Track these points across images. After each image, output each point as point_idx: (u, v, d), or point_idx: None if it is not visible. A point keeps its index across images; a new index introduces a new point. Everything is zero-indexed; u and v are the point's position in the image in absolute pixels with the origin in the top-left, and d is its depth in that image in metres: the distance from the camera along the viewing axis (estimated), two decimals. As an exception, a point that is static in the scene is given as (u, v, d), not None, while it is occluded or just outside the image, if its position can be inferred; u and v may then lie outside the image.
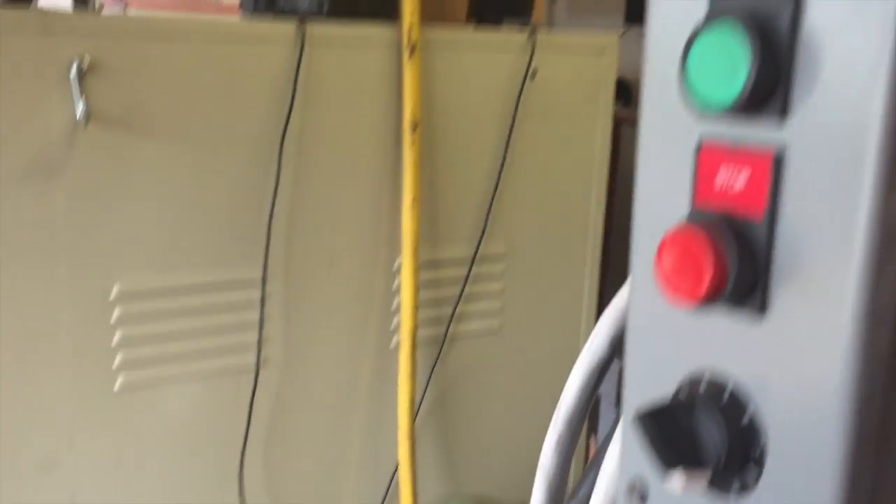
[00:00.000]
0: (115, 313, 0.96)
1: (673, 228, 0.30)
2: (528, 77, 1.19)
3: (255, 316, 1.04)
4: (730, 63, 0.28)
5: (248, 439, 1.07)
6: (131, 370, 0.99)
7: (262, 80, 1.00)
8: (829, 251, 0.29)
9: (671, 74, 0.31)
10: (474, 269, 1.21)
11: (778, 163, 0.29)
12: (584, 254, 1.31)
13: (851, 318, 0.28)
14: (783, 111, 0.28)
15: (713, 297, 0.30)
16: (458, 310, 1.21)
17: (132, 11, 1.16)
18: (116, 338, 0.97)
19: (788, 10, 0.28)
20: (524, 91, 1.19)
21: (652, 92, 0.33)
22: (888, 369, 0.30)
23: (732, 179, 0.31)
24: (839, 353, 0.29)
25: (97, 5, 0.96)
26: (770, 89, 0.28)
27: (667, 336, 0.34)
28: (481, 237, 1.19)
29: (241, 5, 1.04)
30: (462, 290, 1.20)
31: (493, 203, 1.20)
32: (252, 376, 1.06)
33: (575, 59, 1.25)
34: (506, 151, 1.19)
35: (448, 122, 1.15)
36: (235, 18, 1.12)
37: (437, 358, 1.21)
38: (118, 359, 0.97)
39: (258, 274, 1.03)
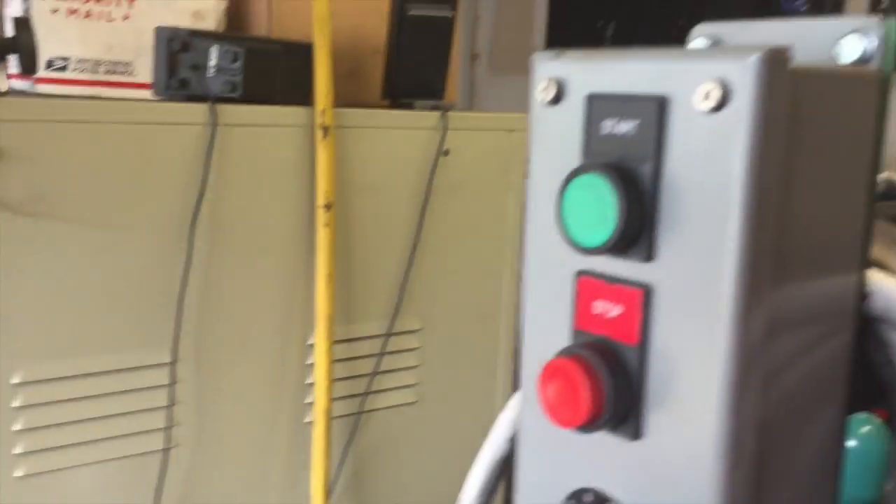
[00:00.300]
0: (17, 399, 0.93)
1: (554, 358, 0.32)
2: (440, 154, 1.22)
3: (164, 400, 1.02)
4: (599, 209, 0.31)
5: (156, 526, 1.04)
6: (34, 455, 0.95)
7: (174, 162, 1.00)
8: (696, 376, 0.31)
9: (550, 214, 0.34)
10: (390, 344, 1.21)
11: (647, 297, 0.31)
12: (497, 327, 1.33)
13: (717, 437, 0.30)
14: (649, 253, 0.31)
15: (592, 422, 0.32)
16: (373, 385, 1.21)
17: (41, 88, 1.15)
18: (19, 424, 0.94)
19: (651, 163, 0.30)
20: (437, 168, 1.22)
21: (534, 228, 0.35)
22: (754, 481, 0.32)
23: (608, 309, 0.33)
24: (708, 470, 0.31)
25: (3, 86, 0.95)
26: (636, 233, 0.31)
27: (553, 453, 0.36)
28: (395, 313, 1.21)
29: (153, 88, 1.04)
30: (377, 366, 1.21)
31: (408, 279, 1.21)
32: (160, 459, 1.03)
33: (486, 135, 1.29)
34: (419, 228, 1.21)
35: (363, 199, 1.17)
36: (148, 94, 1.12)
37: (353, 434, 1.20)
38: (20, 444, 0.94)
39: (167, 357, 1.02)
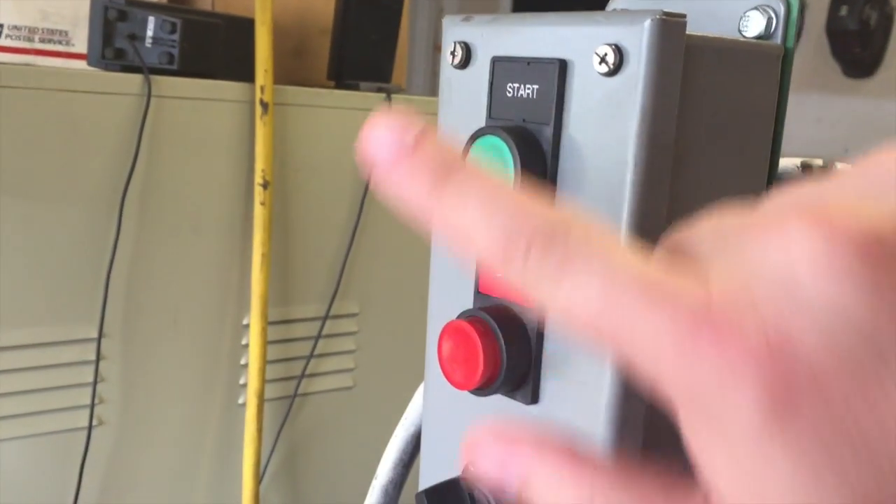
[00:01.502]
0: (-67, 372, 0.91)
1: (453, 320, 0.32)
2: (384, 139, 1.21)
3: (90, 376, 1.00)
4: (500, 171, 0.31)
5: (78, 503, 1.02)
6: (-51, 432, 0.93)
7: (107, 133, 0.98)
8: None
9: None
10: (327, 327, 1.21)
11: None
12: (437, 312, 1.33)
13: (607, 403, 0.31)
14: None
15: (487, 385, 0.32)
16: (309, 368, 1.20)
17: (-28, 54, 1.11)
18: (-67, 398, 0.91)
19: (551, 126, 0.30)
20: (381, 152, 1.21)
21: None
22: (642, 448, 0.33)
23: (509, 274, 0.33)
24: (599, 436, 0.31)
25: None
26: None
27: (453, 416, 0.36)
28: (333, 296, 1.20)
29: (88, 57, 1.02)
30: (313, 349, 1.20)
31: (347, 262, 1.21)
32: (84, 437, 1.01)
33: (433, 120, 1.28)
34: (360, 210, 1.21)
35: (303, 179, 1.16)
36: (83, 65, 1.10)
37: (286, 417, 1.19)
38: (-66, 420, 0.91)
39: (94, 332, 0.99)
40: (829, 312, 0.16)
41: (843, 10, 1.88)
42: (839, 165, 0.53)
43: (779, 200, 0.18)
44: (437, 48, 2.53)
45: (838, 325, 0.16)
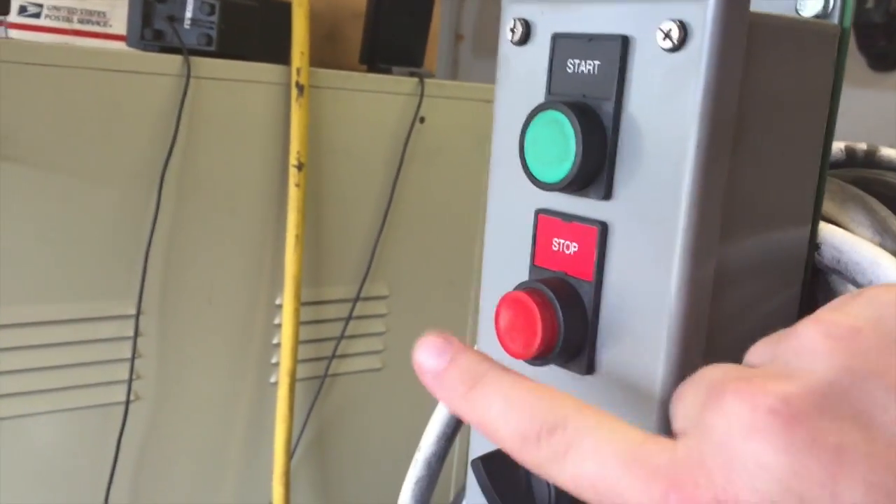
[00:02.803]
0: (-23, 345, 0.93)
1: (510, 291, 0.33)
2: (416, 121, 1.22)
3: (128, 352, 1.02)
4: (560, 146, 0.31)
5: (115, 476, 1.04)
6: (-8, 403, 0.95)
7: (146, 112, 0.99)
8: (647, 313, 0.32)
9: (514, 149, 0.34)
10: (357, 309, 1.22)
11: (603, 235, 0.32)
12: (467, 295, 1.34)
13: (664, 374, 0.31)
14: (607, 191, 0.32)
15: (544, 354, 0.33)
16: (339, 349, 1.22)
17: (14, 34, 1.13)
18: (-23, 370, 0.93)
19: (612, 101, 0.31)
20: (413, 135, 1.22)
21: (497, 166, 0.36)
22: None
23: (565, 246, 0.34)
24: (654, 406, 0.32)
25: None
26: (595, 171, 0.31)
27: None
28: (364, 278, 1.21)
29: (127, 38, 1.03)
30: (344, 330, 1.21)
31: (378, 244, 1.22)
32: (122, 412, 1.03)
33: (464, 105, 1.29)
34: (392, 193, 1.22)
35: (336, 162, 1.17)
36: (122, 46, 1.11)
37: (317, 397, 1.21)
38: (-22, 392, 0.94)
39: (132, 309, 1.01)
40: (758, 470, 0.20)
41: (870, 3, 1.85)
42: (884, 151, 0.53)
43: (725, 368, 0.23)
44: (458, 38, 2.52)
45: (765, 480, 0.20)
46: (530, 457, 0.24)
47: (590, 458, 0.23)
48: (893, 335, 0.21)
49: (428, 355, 0.27)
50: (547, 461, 0.24)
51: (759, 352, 0.25)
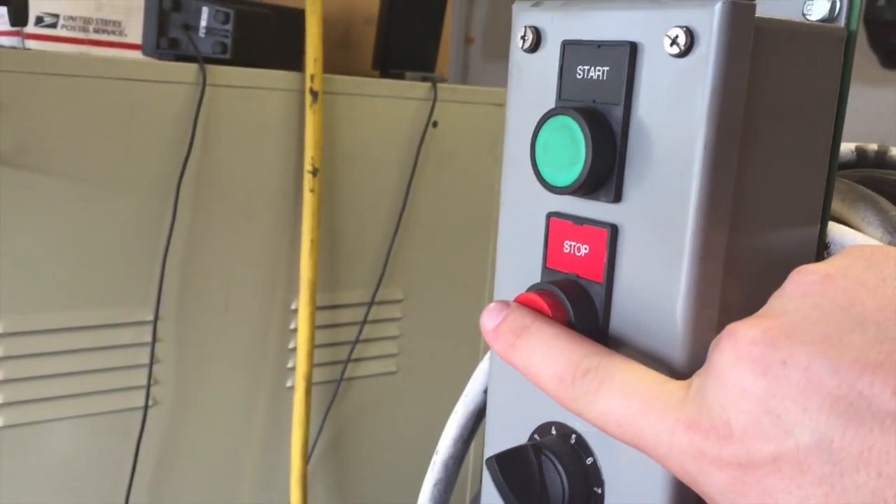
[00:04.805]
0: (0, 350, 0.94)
1: (523, 293, 0.34)
2: (429, 125, 1.23)
3: (146, 357, 1.04)
4: (570, 151, 0.32)
5: (134, 480, 1.05)
6: (14, 406, 0.96)
7: (162, 120, 1.01)
8: (657, 313, 0.32)
9: (525, 154, 0.35)
10: (372, 312, 1.23)
11: (613, 237, 0.33)
12: (482, 299, 1.35)
13: (675, 374, 0.32)
14: (616, 194, 0.32)
15: (556, 355, 0.33)
16: (354, 353, 1.23)
17: (31, 44, 1.15)
18: (0, 374, 0.95)
19: (621, 107, 0.32)
20: (426, 139, 1.23)
21: (509, 171, 0.36)
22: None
23: (576, 248, 0.34)
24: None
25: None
26: (605, 174, 0.32)
27: (520, 388, 0.37)
28: (379, 282, 1.22)
29: (142, 47, 1.05)
30: (359, 334, 1.22)
31: (392, 249, 1.23)
32: (140, 417, 1.05)
33: (476, 109, 1.30)
34: (406, 197, 1.22)
35: (350, 167, 1.18)
36: (138, 55, 1.12)
37: (333, 400, 1.22)
38: (1, 396, 0.95)
39: (150, 315, 1.03)
40: (741, 393, 0.23)
41: (881, 1, 1.85)
42: (894, 151, 0.53)
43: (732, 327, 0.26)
44: (468, 41, 2.53)
45: (748, 401, 0.23)
46: (565, 395, 0.28)
47: (616, 396, 0.27)
48: (860, 279, 0.24)
49: (488, 317, 0.32)
50: (579, 398, 0.28)
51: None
